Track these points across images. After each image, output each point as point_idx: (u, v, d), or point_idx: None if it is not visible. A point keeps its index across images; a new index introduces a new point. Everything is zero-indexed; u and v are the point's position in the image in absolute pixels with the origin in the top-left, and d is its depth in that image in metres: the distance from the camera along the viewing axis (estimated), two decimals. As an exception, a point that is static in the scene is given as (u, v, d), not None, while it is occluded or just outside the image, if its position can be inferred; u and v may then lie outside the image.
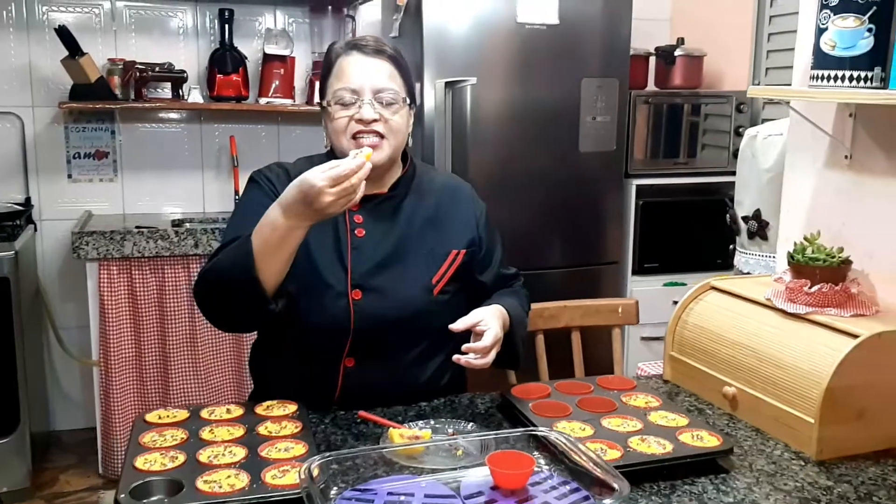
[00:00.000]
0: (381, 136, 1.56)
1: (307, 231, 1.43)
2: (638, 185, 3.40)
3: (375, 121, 1.54)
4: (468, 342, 1.48)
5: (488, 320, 1.49)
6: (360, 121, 1.54)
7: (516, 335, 1.60)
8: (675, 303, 3.36)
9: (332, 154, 1.64)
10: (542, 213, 3.18)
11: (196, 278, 1.52)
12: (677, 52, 3.51)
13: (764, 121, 2.98)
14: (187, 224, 3.24)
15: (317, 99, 3.30)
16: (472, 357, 1.46)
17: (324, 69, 1.63)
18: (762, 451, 1.43)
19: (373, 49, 1.57)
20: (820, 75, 1.49)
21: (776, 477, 1.33)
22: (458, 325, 1.48)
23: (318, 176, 1.34)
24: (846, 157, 1.67)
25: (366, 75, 1.55)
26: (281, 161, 1.71)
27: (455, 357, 1.46)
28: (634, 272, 3.45)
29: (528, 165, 3.14)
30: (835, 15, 1.44)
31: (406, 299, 1.58)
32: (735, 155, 3.45)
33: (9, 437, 2.85)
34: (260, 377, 1.72)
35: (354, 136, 1.55)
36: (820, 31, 1.48)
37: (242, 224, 1.52)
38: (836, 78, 1.46)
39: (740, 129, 3.46)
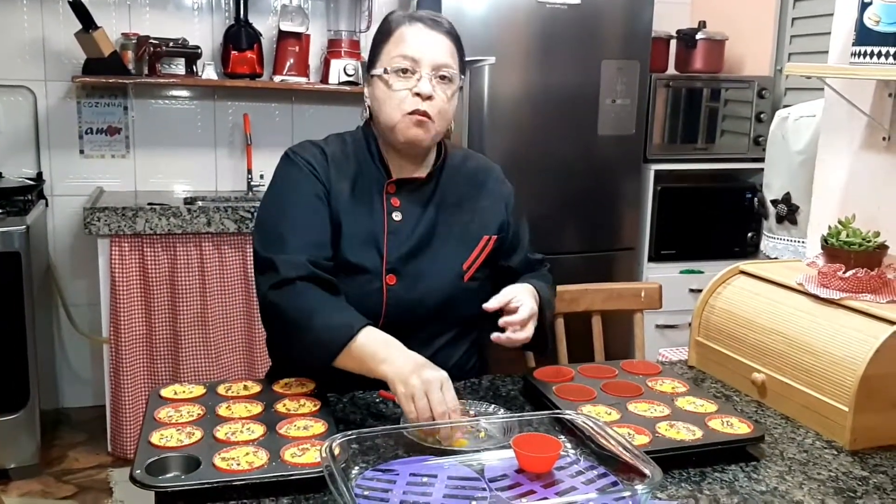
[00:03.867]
0: (429, 118, 1.49)
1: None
2: (656, 171, 3.36)
3: (430, 98, 1.48)
4: (498, 326, 1.45)
5: (521, 297, 1.46)
6: (417, 94, 1.48)
7: (545, 317, 1.55)
8: (692, 290, 3.37)
9: (368, 127, 1.61)
10: (559, 197, 3.14)
11: (271, 285, 1.44)
12: (699, 36, 3.45)
13: (786, 106, 2.93)
14: (199, 202, 3.21)
15: (336, 78, 3.31)
16: (511, 332, 1.42)
17: (378, 37, 1.56)
18: (793, 439, 1.39)
19: (435, 22, 1.52)
20: (862, 52, 1.44)
21: (808, 466, 1.29)
22: (492, 303, 1.44)
23: (446, 397, 1.27)
24: (884, 138, 1.62)
25: (427, 47, 1.49)
26: (311, 139, 1.63)
27: (494, 336, 1.43)
28: (651, 259, 3.42)
29: (545, 148, 3.09)
30: (880, -11, 1.39)
31: (438, 285, 1.55)
32: (756, 141, 3.41)
33: (18, 413, 2.83)
34: (279, 356, 1.67)
35: (407, 114, 1.49)
36: (863, 6, 1.43)
37: (295, 214, 1.50)
38: (878, 55, 1.41)
39: (761, 115, 3.41)
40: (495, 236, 1.62)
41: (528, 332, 1.44)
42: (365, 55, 1.78)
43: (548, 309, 1.58)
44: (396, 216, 1.56)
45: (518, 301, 1.45)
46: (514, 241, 1.67)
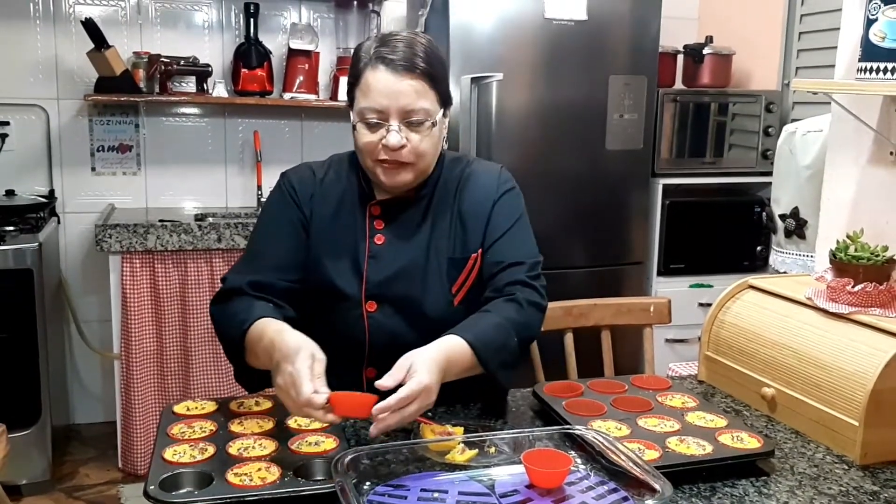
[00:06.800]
0: (404, 164, 1.45)
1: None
2: (664, 185, 3.36)
3: (402, 147, 1.43)
4: None
5: (417, 366, 1.25)
6: (385, 147, 1.43)
7: (490, 365, 1.38)
8: (701, 304, 3.37)
9: None
10: (567, 212, 3.15)
11: (211, 301, 1.51)
12: (706, 51, 3.47)
13: (794, 121, 2.93)
14: (210, 218, 3.23)
15: (342, 96, 3.32)
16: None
17: (351, 73, 1.49)
18: (803, 453, 1.39)
19: (403, 65, 1.42)
20: (868, 67, 1.45)
21: (819, 481, 1.29)
22: (385, 380, 1.24)
23: (303, 364, 1.21)
24: (892, 153, 1.63)
25: (393, 96, 1.41)
26: (311, 161, 1.63)
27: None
28: (660, 273, 3.41)
29: (553, 163, 3.11)
30: (885, 5, 1.40)
31: (423, 311, 1.49)
32: (764, 155, 3.42)
33: (29, 429, 2.85)
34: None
35: (379, 161, 1.46)
36: (869, 23, 1.44)
37: (262, 238, 1.55)
38: (885, 70, 1.42)
39: (769, 129, 3.42)
40: (480, 250, 1.52)
41: (405, 413, 1.22)
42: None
43: (496, 353, 1.38)
44: (379, 239, 1.52)
45: (411, 372, 1.24)
46: (491, 235, 1.52)
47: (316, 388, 1.19)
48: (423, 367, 1.25)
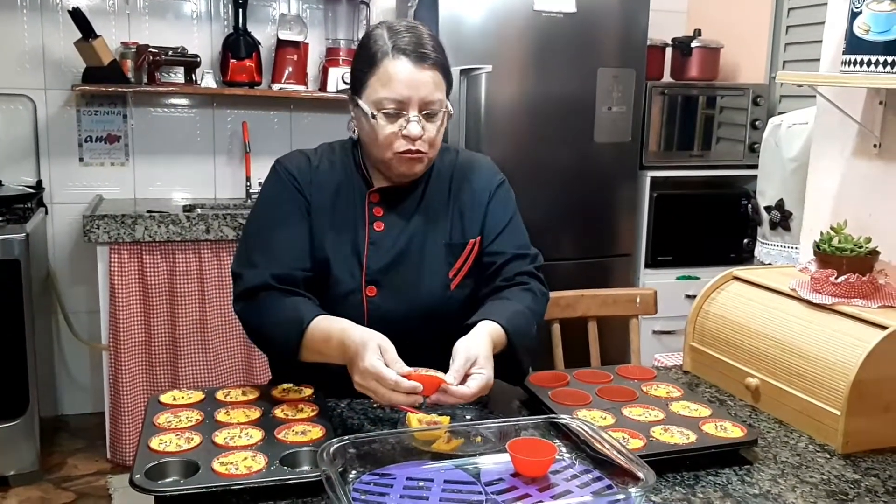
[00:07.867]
0: (421, 153, 1.48)
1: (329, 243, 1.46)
2: (652, 178, 3.38)
3: (420, 136, 1.46)
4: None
5: (482, 362, 1.32)
6: (406, 137, 1.45)
7: (518, 351, 1.44)
8: (688, 296, 3.39)
9: (358, 140, 1.59)
10: (556, 204, 3.16)
11: (235, 297, 1.50)
12: (694, 44, 3.48)
13: (780, 114, 2.95)
14: (198, 209, 3.22)
15: (335, 86, 3.32)
16: (443, 396, 1.29)
17: (363, 61, 1.49)
18: (786, 442, 1.41)
19: (420, 56, 1.45)
20: (852, 60, 1.46)
21: (801, 469, 1.30)
22: (452, 376, 1.30)
23: (372, 358, 1.26)
24: (875, 145, 1.64)
25: (413, 87, 1.44)
26: (303, 148, 1.63)
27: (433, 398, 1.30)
28: (647, 265, 3.44)
29: (542, 155, 3.12)
30: (869, -2, 1.41)
31: (421, 295, 1.52)
32: (751, 148, 3.44)
33: (17, 420, 2.84)
34: (279, 369, 1.66)
35: (399, 153, 1.47)
36: (853, 15, 1.45)
37: (268, 227, 1.52)
38: (868, 63, 1.43)
39: (757, 123, 3.44)
40: (479, 237, 1.57)
41: (468, 399, 1.30)
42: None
43: (521, 340, 1.45)
44: (378, 226, 1.54)
45: (477, 368, 1.32)
46: (487, 236, 1.57)
47: (399, 372, 1.26)
48: (488, 364, 1.33)
